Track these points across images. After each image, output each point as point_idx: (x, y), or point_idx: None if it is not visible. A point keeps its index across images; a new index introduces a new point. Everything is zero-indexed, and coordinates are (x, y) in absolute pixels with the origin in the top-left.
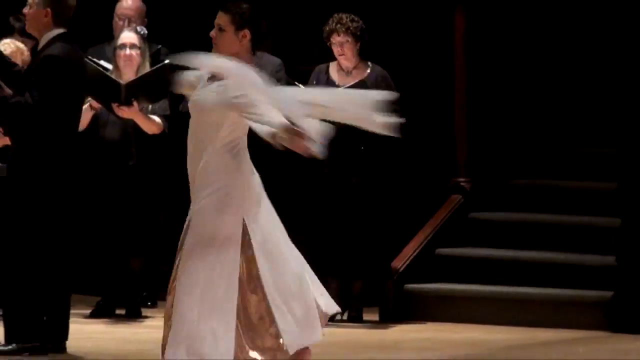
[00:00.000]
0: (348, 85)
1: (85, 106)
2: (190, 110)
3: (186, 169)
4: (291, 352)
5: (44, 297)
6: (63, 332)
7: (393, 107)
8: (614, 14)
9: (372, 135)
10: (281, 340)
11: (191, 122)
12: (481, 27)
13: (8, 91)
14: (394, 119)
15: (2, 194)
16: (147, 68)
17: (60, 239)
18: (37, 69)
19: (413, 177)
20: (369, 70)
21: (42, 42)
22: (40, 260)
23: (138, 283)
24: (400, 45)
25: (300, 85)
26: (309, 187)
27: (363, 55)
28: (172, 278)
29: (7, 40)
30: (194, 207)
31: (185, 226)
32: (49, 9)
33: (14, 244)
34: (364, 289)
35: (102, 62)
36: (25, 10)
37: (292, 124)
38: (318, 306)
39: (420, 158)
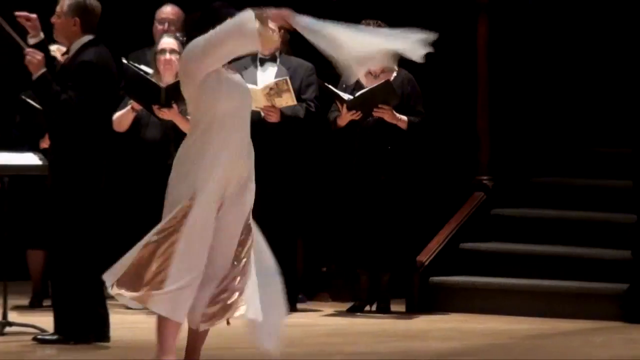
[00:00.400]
0: (374, 85)
1: (127, 108)
2: (244, 100)
3: None
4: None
5: (85, 289)
6: (105, 322)
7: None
8: (631, 19)
9: (398, 136)
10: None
11: (244, 111)
12: (503, 32)
13: (56, 87)
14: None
15: (44, 191)
16: None
17: (96, 233)
18: (75, 74)
19: (438, 176)
20: (395, 74)
21: (73, 48)
22: (79, 255)
23: None
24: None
25: (330, 86)
26: (339, 185)
27: None
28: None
29: (53, 48)
30: (250, 193)
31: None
32: (77, 18)
33: (57, 240)
34: (391, 281)
35: (143, 67)
36: (54, 19)
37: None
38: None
39: (445, 157)
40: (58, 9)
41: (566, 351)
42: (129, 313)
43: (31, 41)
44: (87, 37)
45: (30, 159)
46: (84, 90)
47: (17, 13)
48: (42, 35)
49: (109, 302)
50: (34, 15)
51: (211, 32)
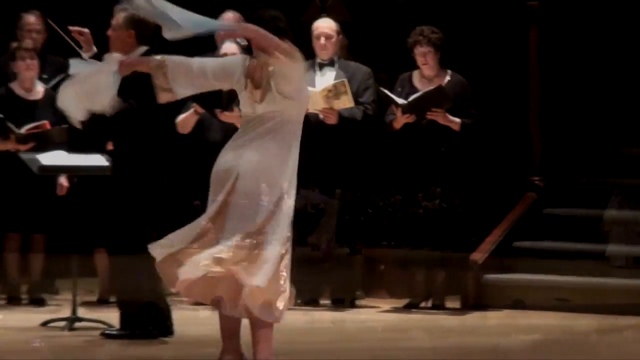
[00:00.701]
0: (427, 90)
1: (190, 111)
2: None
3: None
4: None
5: (146, 285)
6: (168, 317)
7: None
8: None
9: (451, 137)
10: None
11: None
12: (553, 41)
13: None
14: None
15: (107, 191)
16: None
17: (158, 231)
18: (133, 84)
19: (492, 177)
20: (448, 78)
21: None
22: (141, 254)
23: None
24: (479, 56)
25: (386, 91)
26: (394, 185)
27: (443, 64)
28: None
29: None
30: None
31: None
32: (132, 30)
33: (119, 239)
34: (446, 279)
35: None
36: (109, 32)
37: None
38: None
39: (499, 159)
40: (114, 22)
41: (620, 347)
42: (193, 309)
43: (84, 55)
44: (143, 49)
45: (97, 160)
46: (144, 98)
47: (70, 28)
48: (94, 48)
49: (172, 298)
50: (86, 30)
51: (272, 40)
